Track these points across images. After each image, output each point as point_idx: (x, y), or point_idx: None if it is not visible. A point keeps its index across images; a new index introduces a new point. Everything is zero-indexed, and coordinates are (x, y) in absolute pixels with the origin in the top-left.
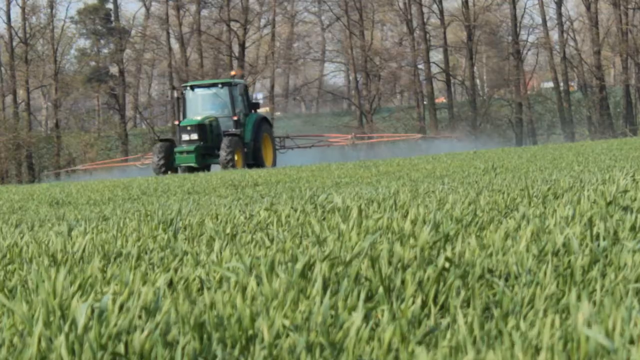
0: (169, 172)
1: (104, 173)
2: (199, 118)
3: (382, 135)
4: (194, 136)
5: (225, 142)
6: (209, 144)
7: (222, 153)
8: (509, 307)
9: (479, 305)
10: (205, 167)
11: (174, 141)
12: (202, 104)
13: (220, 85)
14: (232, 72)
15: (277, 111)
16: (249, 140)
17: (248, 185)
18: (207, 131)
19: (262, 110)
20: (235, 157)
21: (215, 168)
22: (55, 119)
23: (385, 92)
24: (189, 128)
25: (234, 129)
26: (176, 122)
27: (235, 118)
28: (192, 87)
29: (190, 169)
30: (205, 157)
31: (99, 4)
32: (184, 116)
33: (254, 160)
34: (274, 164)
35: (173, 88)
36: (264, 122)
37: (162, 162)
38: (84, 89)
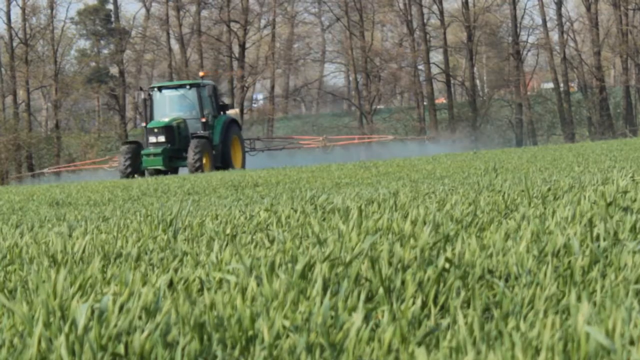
0: (136, 175)
1: (72, 175)
2: (166, 120)
3: (354, 137)
4: (161, 138)
5: (193, 144)
6: (176, 147)
7: (190, 156)
8: (509, 308)
9: (479, 306)
10: (173, 170)
11: (141, 144)
12: (169, 106)
13: (188, 87)
14: (201, 73)
15: (277, 112)
16: (217, 142)
17: (248, 186)
18: (175, 133)
19: (230, 112)
20: (204, 160)
21: (184, 171)
22: (56, 120)
23: (386, 92)
24: (156, 130)
25: (202, 131)
26: (143, 124)
27: (204, 120)
28: (160, 89)
29: (158, 172)
30: (172, 159)
31: (99, 5)
32: (151, 118)
33: (223, 162)
34: (243, 166)
35: (140, 89)
36: (233, 124)
37: (128, 163)
38: (84, 90)
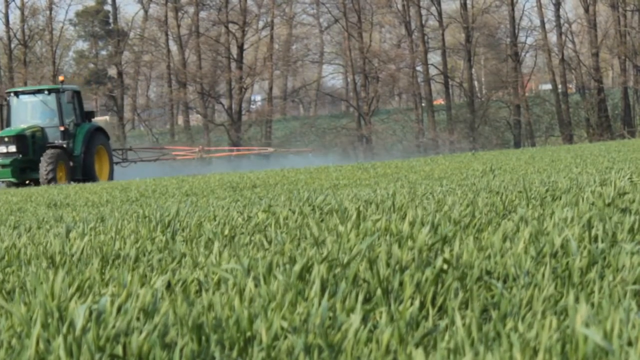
0: None
1: None
2: (22, 127)
3: (232, 149)
4: (12, 148)
5: (46, 155)
6: (30, 157)
7: (42, 167)
8: (507, 309)
9: (477, 307)
10: (33, 181)
11: None
12: (30, 113)
13: (46, 92)
14: (60, 78)
15: (275, 113)
16: (79, 152)
17: (246, 187)
18: (29, 143)
19: (100, 120)
20: (58, 172)
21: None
22: None
23: (384, 94)
24: (6, 139)
25: (60, 141)
26: None
27: (62, 128)
28: (17, 94)
29: (15, 184)
30: (26, 171)
31: (97, 6)
32: (8, 125)
33: (84, 175)
34: (110, 178)
35: None
36: (99, 133)
37: None
38: (82, 91)
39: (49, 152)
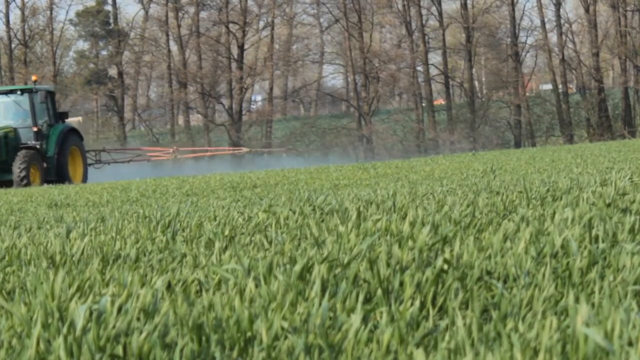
0: None
1: None
2: None
3: (207, 149)
4: None
5: (19, 156)
6: (3, 158)
7: (15, 169)
8: (507, 309)
9: (478, 307)
10: (5, 183)
11: None
12: (3, 113)
13: (19, 92)
14: (34, 77)
15: (276, 113)
16: (52, 154)
17: (246, 187)
18: (1, 144)
19: (73, 121)
20: (32, 173)
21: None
22: None
23: (384, 94)
24: None
25: (33, 141)
26: None
27: (36, 129)
28: None
29: None
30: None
31: (97, 6)
32: None
33: (58, 176)
34: (84, 179)
35: None
36: (72, 134)
37: None
38: (83, 91)
39: (22, 153)
